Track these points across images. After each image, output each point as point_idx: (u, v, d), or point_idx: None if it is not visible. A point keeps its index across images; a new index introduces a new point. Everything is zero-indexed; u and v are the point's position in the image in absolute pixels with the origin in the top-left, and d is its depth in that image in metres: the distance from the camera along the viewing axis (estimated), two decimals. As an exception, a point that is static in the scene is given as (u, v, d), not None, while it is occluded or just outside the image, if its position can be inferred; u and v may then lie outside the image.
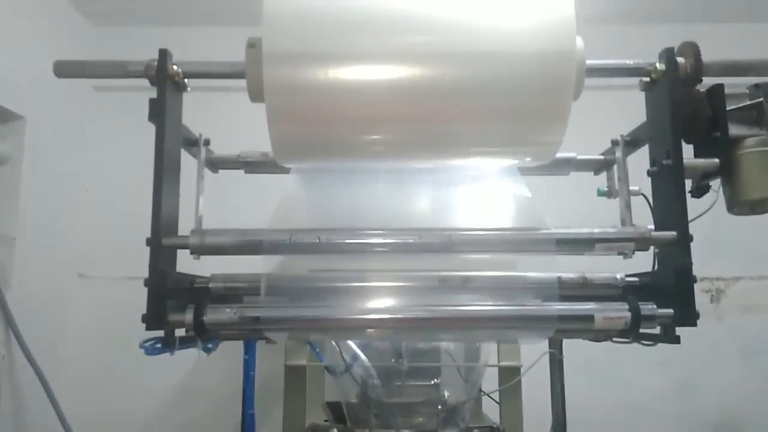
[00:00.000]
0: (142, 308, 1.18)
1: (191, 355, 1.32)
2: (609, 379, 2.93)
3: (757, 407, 2.98)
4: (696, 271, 1.28)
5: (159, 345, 1.20)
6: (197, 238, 1.23)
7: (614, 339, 1.40)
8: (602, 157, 1.62)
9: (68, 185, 2.92)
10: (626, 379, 2.97)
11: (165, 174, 1.21)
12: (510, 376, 2.09)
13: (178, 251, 1.30)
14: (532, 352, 1.98)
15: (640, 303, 1.25)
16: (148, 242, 1.18)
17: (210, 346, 1.50)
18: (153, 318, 1.15)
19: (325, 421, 1.94)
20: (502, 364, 2.11)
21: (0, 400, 2.41)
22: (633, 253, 1.38)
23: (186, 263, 1.34)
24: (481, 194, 1.58)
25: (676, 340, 1.24)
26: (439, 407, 1.92)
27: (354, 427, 1.76)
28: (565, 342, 2.05)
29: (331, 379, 2.05)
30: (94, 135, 3.05)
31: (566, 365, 2.06)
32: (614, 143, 1.54)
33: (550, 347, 2.00)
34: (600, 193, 1.59)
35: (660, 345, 2.75)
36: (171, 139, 1.25)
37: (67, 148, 2.89)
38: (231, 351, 2.28)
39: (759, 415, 2.98)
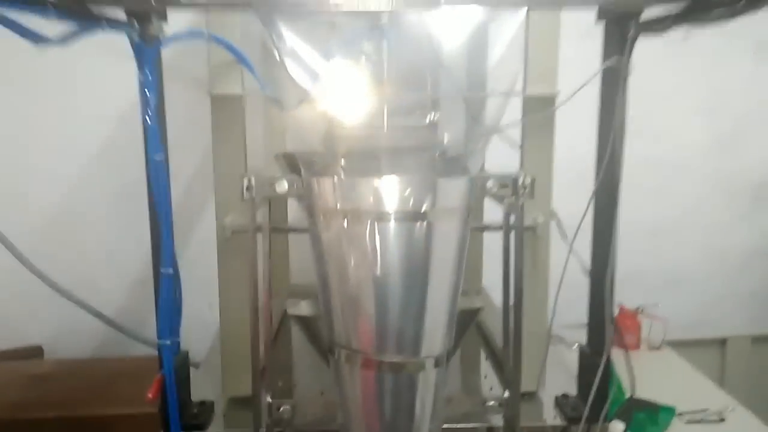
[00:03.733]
0: None
1: None
2: (643, 132, 2.36)
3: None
4: None
5: None
6: None
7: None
8: None
9: None
10: (662, 134, 2.42)
11: None
12: (541, 108, 1.47)
13: None
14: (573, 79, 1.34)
15: None
16: None
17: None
18: None
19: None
20: (531, 93, 1.47)
21: None
22: None
23: None
24: None
25: None
26: (437, 154, 1.35)
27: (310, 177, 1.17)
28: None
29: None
30: None
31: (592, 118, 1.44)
32: None
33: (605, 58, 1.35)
34: None
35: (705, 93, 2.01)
36: None
37: None
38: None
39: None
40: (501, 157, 1.56)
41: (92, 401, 1.96)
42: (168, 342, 1.30)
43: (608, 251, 1.38)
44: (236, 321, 1.45)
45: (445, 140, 1.38)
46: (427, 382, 1.12)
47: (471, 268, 2.31)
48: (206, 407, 1.46)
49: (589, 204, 1.42)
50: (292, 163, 1.39)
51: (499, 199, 1.29)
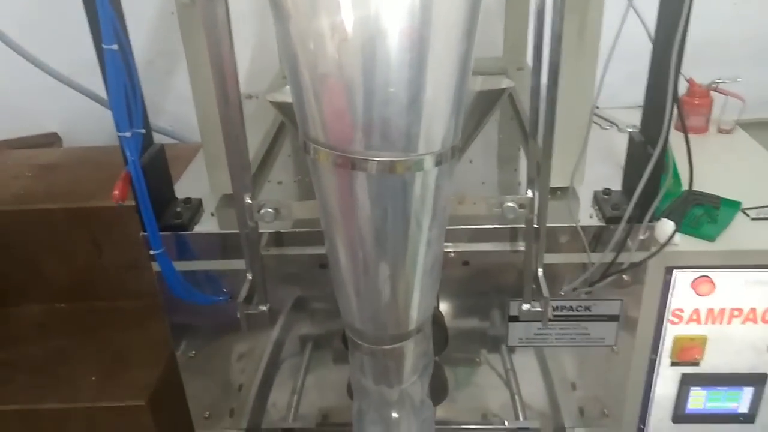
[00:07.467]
0: None
1: None
2: None
3: None
4: None
5: None
6: None
7: None
8: None
9: None
10: None
11: None
12: None
13: None
14: None
15: None
16: None
17: None
18: None
19: None
20: None
21: None
22: None
23: None
24: None
25: None
26: None
27: None
28: None
29: None
30: None
31: None
32: None
33: None
34: None
35: None
36: None
37: None
38: None
39: None
40: None
41: (100, 192, 1.87)
42: (128, 134, 1.10)
43: (680, 8, 1.03)
44: (213, 107, 1.23)
45: None
46: (425, 184, 0.90)
47: (512, 41, 1.97)
48: (192, 206, 1.31)
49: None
50: None
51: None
